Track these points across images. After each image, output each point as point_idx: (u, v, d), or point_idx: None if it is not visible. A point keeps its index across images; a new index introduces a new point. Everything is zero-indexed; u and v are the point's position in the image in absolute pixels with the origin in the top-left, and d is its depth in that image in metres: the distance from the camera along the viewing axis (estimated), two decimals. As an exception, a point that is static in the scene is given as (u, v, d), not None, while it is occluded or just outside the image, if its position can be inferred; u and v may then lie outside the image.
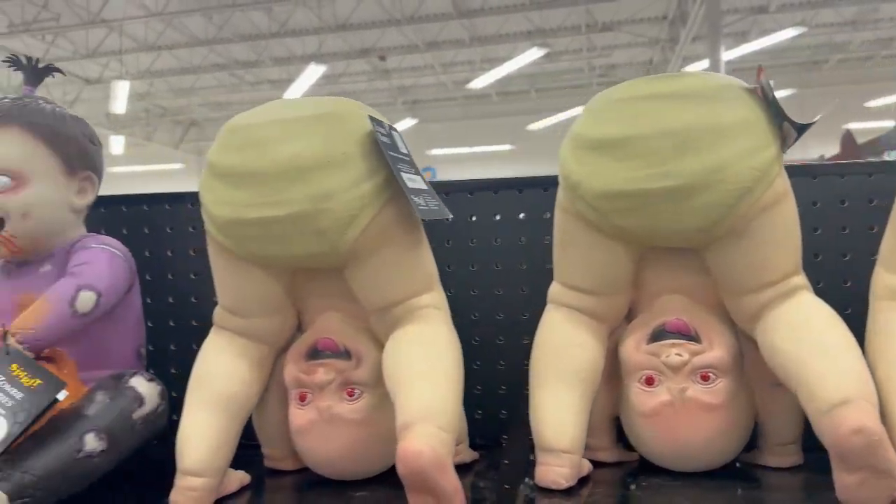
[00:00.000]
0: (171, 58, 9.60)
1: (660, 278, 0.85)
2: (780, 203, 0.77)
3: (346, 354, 0.84)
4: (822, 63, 11.28)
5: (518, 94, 12.10)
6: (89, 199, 0.97)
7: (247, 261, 0.83)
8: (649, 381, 0.81)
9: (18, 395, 0.78)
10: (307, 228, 0.77)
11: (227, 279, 0.86)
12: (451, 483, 0.68)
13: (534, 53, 8.03)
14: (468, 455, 0.94)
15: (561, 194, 0.83)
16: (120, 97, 8.91)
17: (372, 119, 0.79)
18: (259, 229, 0.78)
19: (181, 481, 0.79)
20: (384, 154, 0.76)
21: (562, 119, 10.65)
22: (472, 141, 12.20)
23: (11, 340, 0.81)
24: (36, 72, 0.96)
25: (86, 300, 0.86)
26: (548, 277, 0.89)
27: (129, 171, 13.75)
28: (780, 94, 0.78)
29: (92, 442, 0.80)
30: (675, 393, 0.79)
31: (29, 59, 0.96)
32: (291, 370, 0.85)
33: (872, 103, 10.56)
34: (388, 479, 0.83)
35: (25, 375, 0.79)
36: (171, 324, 1.11)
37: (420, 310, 0.82)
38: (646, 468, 0.87)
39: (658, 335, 0.81)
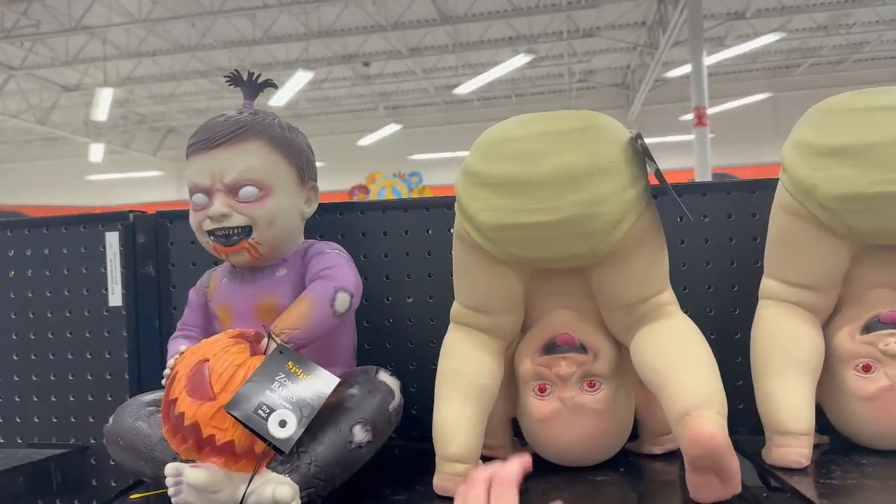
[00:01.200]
0: (152, 64, 9.57)
1: (871, 274, 0.94)
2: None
3: (582, 349, 0.91)
4: (794, 67, 11.52)
5: (499, 100, 12.22)
6: (314, 207, 1.03)
7: (501, 262, 0.89)
8: (866, 369, 0.89)
9: (299, 390, 0.83)
10: (576, 231, 0.84)
11: (475, 279, 0.92)
12: (735, 463, 0.77)
13: (521, 59, 8.13)
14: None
15: (786, 197, 0.90)
16: (102, 104, 8.88)
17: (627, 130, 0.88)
18: (528, 233, 0.85)
19: (446, 467, 0.87)
20: (646, 161, 0.86)
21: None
22: (454, 146, 12.21)
23: (278, 340, 0.87)
24: (253, 86, 1.01)
25: (342, 301, 0.92)
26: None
27: (109, 178, 13.66)
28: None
29: (360, 433, 0.86)
30: (893, 378, 0.88)
31: (250, 74, 1.01)
32: (528, 364, 0.93)
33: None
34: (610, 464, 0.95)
35: (302, 372, 0.84)
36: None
37: (664, 306, 0.90)
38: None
39: (871, 326, 0.90)
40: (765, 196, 0.96)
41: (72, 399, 1.21)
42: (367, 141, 11.49)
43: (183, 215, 1.17)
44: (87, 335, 1.20)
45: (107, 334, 1.20)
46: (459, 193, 0.88)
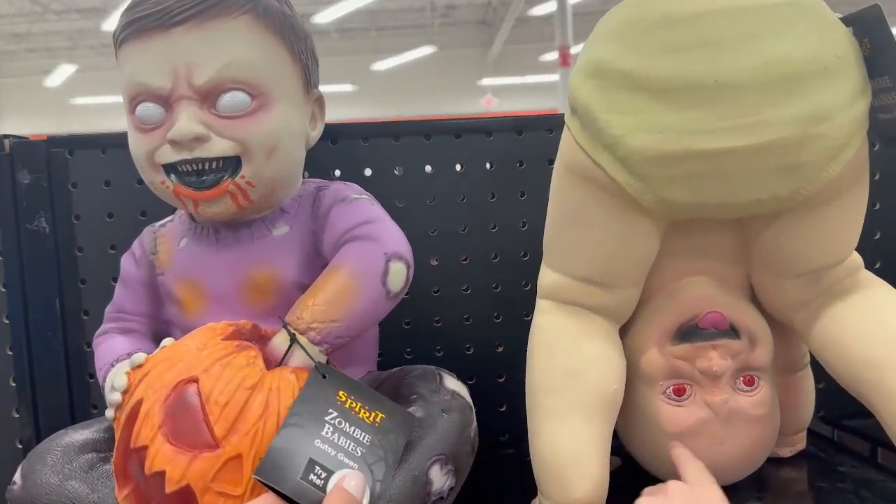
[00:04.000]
0: (-42, -21, 8.32)
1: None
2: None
3: (733, 332, 0.64)
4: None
5: (357, 31, 11.65)
6: (319, 129, 0.67)
7: (641, 211, 0.58)
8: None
9: (364, 437, 0.51)
10: (782, 162, 0.54)
11: (600, 237, 0.61)
12: None
13: (385, -13, 7.68)
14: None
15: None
16: None
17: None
18: (709, 165, 0.55)
19: None
20: (889, 57, 0.54)
21: (405, 60, 10.40)
22: (310, 80, 11.68)
23: (305, 342, 0.55)
24: None
25: (397, 274, 0.58)
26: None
27: None
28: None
29: (439, 477, 0.56)
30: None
31: None
32: (656, 356, 0.65)
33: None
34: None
35: (361, 406, 0.52)
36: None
37: (857, 272, 0.64)
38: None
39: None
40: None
41: (-78, 420, 0.81)
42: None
43: (90, 143, 0.79)
44: (-57, 324, 0.80)
45: (-25, 322, 0.80)
46: (589, 105, 0.56)
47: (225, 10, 0.58)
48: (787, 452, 0.76)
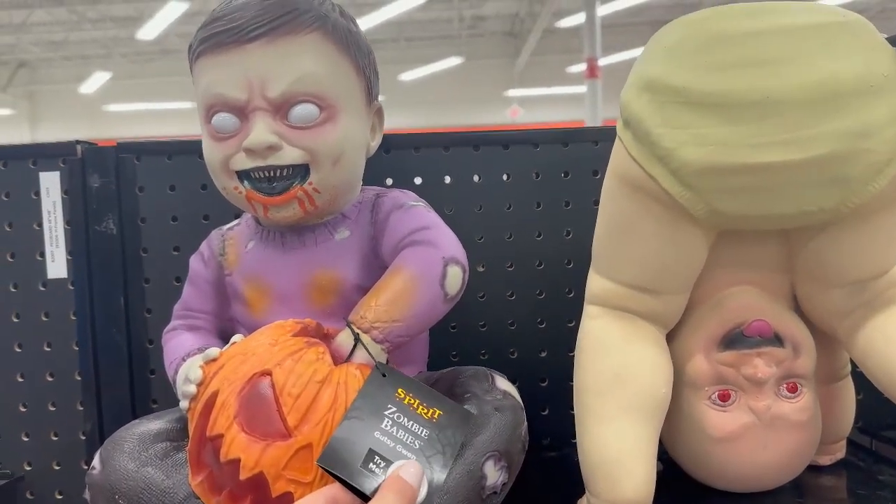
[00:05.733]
0: (-2, -12, 8.51)
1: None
2: None
3: (777, 341, 0.67)
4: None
5: (386, 42, 11.74)
6: (378, 140, 0.71)
7: (690, 221, 0.61)
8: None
9: (423, 431, 0.54)
10: (829, 176, 0.56)
11: (651, 245, 0.63)
12: None
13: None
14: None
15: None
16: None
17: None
18: (758, 178, 0.57)
19: None
20: None
21: (432, 70, 10.46)
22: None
23: (367, 340, 0.57)
24: None
25: (454, 278, 0.62)
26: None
27: (-53, 116, 12.21)
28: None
29: (493, 473, 0.58)
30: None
31: None
32: (701, 362, 0.67)
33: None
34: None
35: (419, 403, 0.55)
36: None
37: None
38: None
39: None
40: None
41: (-7, 410, 0.85)
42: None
43: (157, 149, 0.83)
44: (14, 319, 0.84)
45: (45, 318, 0.84)
46: (643, 120, 0.59)
47: (296, 28, 0.61)
48: (826, 461, 0.78)
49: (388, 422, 0.53)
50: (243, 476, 0.52)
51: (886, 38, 0.59)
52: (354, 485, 0.50)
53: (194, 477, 0.56)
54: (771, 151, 0.56)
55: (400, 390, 0.55)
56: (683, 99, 0.57)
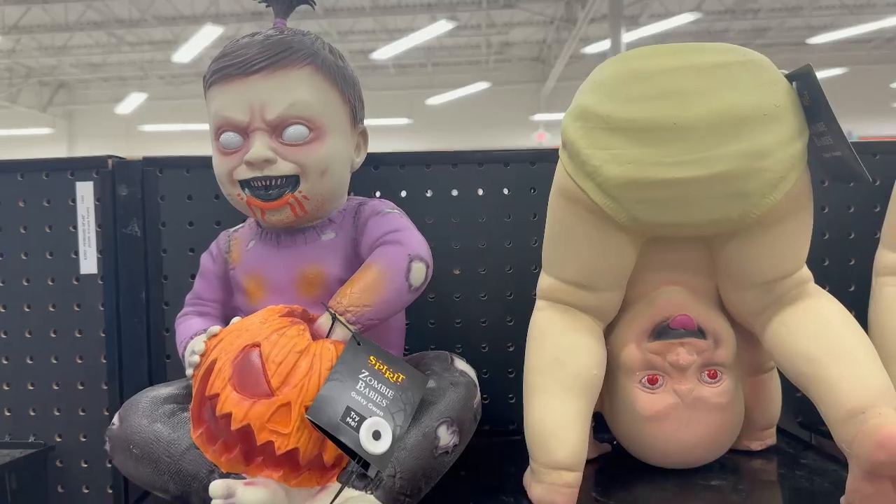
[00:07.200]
0: (42, 12, 8.82)
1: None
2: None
3: (700, 333, 0.78)
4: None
5: (414, 68, 11.96)
6: (363, 156, 0.84)
7: (618, 228, 0.73)
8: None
9: (389, 392, 0.65)
10: (730, 190, 0.68)
11: (584, 248, 0.76)
12: None
13: (443, 26, 7.91)
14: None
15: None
16: (-14, 53, 8.11)
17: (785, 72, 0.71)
18: (670, 191, 0.68)
19: (552, 477, 0.70)
20: (822, 106, 0.68)
21: (459, 95, 10.63)
22: (370, 113, 11.88)
23: (343, 320, 0.68)
24: (287, 3, 0.82)
25: (418, 271, 0.73)
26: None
27: (-10, 135, 12.63)
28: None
29: (445, 436, 0.69)
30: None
31: None
32: (633, 351, 0.79)
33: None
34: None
35: (388, 369, 0.67)
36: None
37: (806, 283, 0.76)
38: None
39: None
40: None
41: (30, 388, 0.97)
42: (276, 105, 11.00)
43: (177, 163, 0.96)
44: (51, 309, 0.97)
45: (77, 308, 0.97)
46: (575, 142, 0.71)
47: (291, 63, 0.74)
48: (757, 446, 0.88)
49: (361, 384, 0.64)
50: (234, 427, 0.64)
51: (785, 75, 0.70)
52: (335, 434, 0.61)
53: (195, 430, 0.67)
54: (679, 169, 0.67)
55: (371, 357, 0.67)
56: (607, 125, 0.69)
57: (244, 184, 0.75)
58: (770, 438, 0.89)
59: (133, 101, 11.33)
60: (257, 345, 0.66)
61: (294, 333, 0.68)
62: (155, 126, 11.59)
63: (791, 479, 0.80)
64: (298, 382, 0.65)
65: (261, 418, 0.64)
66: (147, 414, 0.70)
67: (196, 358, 0.69)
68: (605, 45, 8.69)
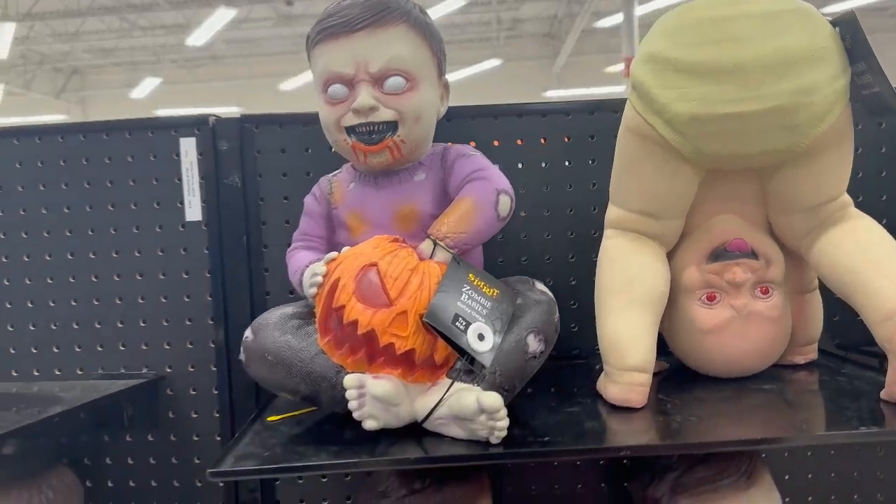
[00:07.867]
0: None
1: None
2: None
3: (753, 254, 0.88)
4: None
5: (423, 46, 11.98)
6: (446, 106, 0.94)
7: (683, 160, 0.83)
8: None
9: (487, 303, 0.76)
10: (783, 122, 0.78)
11: (651, 180, 0.86)
12: None
13: (454, 3, 7.97)
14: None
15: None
16: (3, 41, 8.21)
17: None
18: (730, 124, 0.78)
19: (626, 377, 0.81)
20: (864, 47, 0.78)
21: (471, 72, 10.68)
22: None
23: (443, 245, 0.80)
24: None
25: (505, 203, 0.83)
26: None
27: (7, 122, 12.73)
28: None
29: (534, 343, 0.79)
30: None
31: None
32: (694, 272, 0.89)
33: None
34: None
35: (485, 285, 0.77)
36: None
37: (847, 207, 0.86)
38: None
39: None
40: None
41: (142, 324, 1.09)
42: (289, 85, 11.07)
43: (271, 120, 1.07)
44: (160, 253, 1.08)
45: (183, 252, 1.08)
46: (645, 83, 0.81)
47: (390, 21, 0.84)
48: (800, 360, 0.98)
49: (465, 296, 0.75)
50: (360, 332, 0.75)
51: (829, 20, 0.80)
52: (447, 335, 0.72)
53: (322, 338, 0.78)
54: (739, 104, 0.77)
55: (470, 275, 0.77)
56: (674, 67, 0.79)
57: (350, 130, 0.85)
58: (812, 353, 0.99)
59: (147, 86, 11.43)
60: (374, 264, 0.77)
61: (405, 255, 0.78)
62: (170, 110, 11.69)
63: (833, 383, 0.90)
64: (412, 294, 0.76)
65: (382, 324, 0.75)
66: (278, 327, 0.81)
67: (318, 279, 0.80)
68: (617, 18, 8.73)
